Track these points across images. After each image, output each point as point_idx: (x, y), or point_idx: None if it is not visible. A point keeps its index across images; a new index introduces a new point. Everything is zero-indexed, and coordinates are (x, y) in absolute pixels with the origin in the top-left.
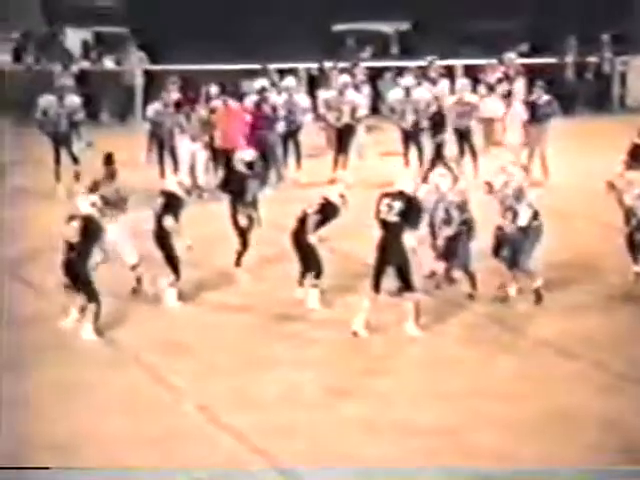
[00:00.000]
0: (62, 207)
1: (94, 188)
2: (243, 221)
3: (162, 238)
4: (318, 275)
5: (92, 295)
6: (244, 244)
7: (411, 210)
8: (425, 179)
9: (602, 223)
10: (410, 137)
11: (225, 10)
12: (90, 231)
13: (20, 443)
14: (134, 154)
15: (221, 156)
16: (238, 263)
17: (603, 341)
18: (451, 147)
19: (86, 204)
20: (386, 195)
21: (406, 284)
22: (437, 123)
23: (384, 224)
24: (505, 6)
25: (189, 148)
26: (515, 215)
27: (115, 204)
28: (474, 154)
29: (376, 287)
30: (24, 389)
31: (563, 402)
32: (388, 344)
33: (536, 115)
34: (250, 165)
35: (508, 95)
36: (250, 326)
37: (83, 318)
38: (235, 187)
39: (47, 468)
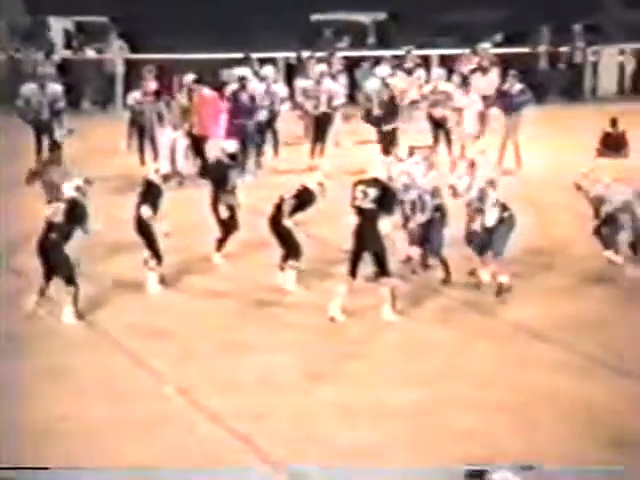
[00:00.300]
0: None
1: (34, 175)
2: (223, 209)
3: (141, 225)
4: (296, 257)
5: (71, 277)
6: (225, 231)
7: (386, 197)
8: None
9: (574, 211)
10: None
11: (202, 2)
12: (75, 214)
13: (6, 428)
14: (115, 141)
15: (198, 143)
16: (218, 249)
17: (576, 324)
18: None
19: (70, 188)
20: (360, 182)
21: (382, 269)
22: (390, 111)
23: (359, 211)
24: None
25: (169, 136)
26: (483, 215)
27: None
28: (449, 142)
29: (352, 272)
30: (5, 375)
31: (537, 384)
32: (365, 328)
33: (509, 104)
34: (232, 156)
35: (465, 84)
36: (229, 311)
37: (42, 301)
38: (216, 176)
39: (46, 468)
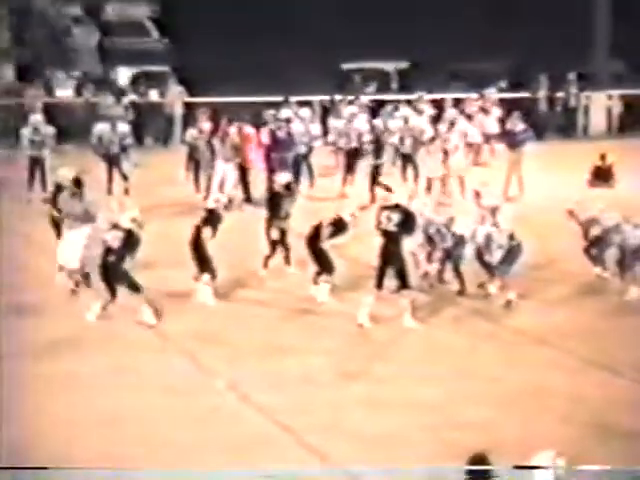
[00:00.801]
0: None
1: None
2: (274, 233)
3: (198, 246)
4: (329, 273)
5: (135, 286)
6: (273, 250)
7: (408, 221)
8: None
9: (568, 232)
10: (406, 159)
11: (251, 52)
12: (130, 242)
13: (73, 418)
14: (174, 172)
15: (244, 174)
16: (265, 265)
17: (571, 330)
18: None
19: (127, 219)
20: (385, 208)
21: (403, 283)
22: (376, 148)
23: (385, 233)
24: (488, 49)
25: (222, 168)
26: (490, 254)
27: (80, 217)
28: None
29: (379, 285)
30: (83, 370)
31: (537, 382)
32: (389, 334)
33: (513, 140)
34: (287, 186)
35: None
36: (273, 318)
37: (104, 313)
38: (272, 204)
39: (45, 468)
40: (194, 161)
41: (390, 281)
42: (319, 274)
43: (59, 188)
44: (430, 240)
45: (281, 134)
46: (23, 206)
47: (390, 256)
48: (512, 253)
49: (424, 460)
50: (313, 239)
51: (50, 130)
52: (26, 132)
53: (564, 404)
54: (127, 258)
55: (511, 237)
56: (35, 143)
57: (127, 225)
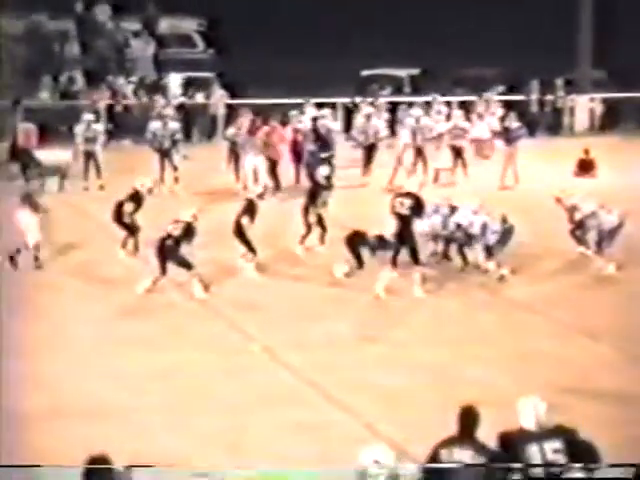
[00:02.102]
0: (165, 202)
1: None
2: (312, 218)
3: (240, 230)
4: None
5: (190, 266)
6: (308, 231)
7: (418, 205)
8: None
9: (558, 216)
10: (417, 152)
11: (284, 61)
12: (188, 232)
13: (135, 372)
14: (217, 164)
15: (274, 166)
16: (302, 242)
17: (558, 300)
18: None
19: (188, 215)
20: (398, 195)
21: (415, 260)
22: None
23: (398, 216)
24: (488, 58)
25: (252, 161)
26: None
27: None
28: (465, 166)
29: (394, 263)
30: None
31: (529, 346)
32: (402, 304)
33: (509, 137)
34: (327, 178)
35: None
36: (305, 290)
37: (154, 287)
38: (311, 193)
39: (38, 466)
40: (234, 154)
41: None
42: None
43: (136, 194)
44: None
45: (310, 132)
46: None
47: (404, 236)
48: (505, 235)
49: (430, 411)
50: (352, 239)
51: (100, 127)
52: (79, 129)
53: (552, 365)
54: (184, 244)
55: (504, 221)
56: (88, 139)
57: (187, 219)
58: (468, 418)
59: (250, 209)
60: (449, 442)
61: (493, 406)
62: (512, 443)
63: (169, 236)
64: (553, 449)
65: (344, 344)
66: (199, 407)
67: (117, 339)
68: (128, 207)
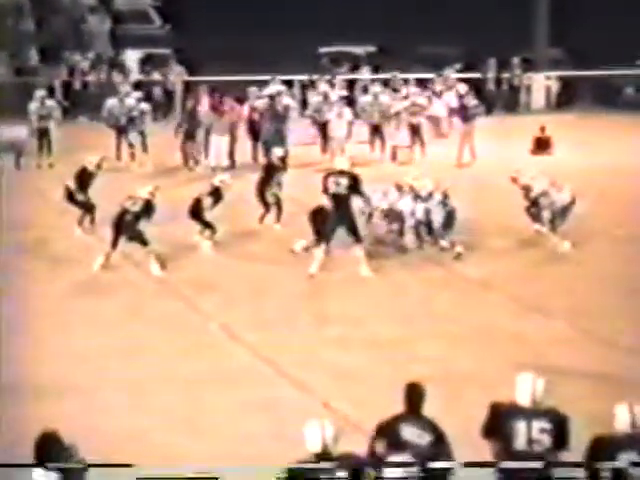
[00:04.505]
0: (121, 179)
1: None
2: (270, 198)
3: (197, 212)
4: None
5: (146, 243)
6: (266, 211)
7: (356, 183)
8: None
9: (512, 191)
10: (375, 129)
11: (238, 38)
12: (147, 208)
13: (88, 353)
14: (174, 141)
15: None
16: (261, 221)
17: (513, 277)
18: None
19: (145, 192)
20: (330, 174)
21: (357, 238)
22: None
23: (334, 197)
24: (445, 36)
25: (217, 141)
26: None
27: None
28: (422, 143)
29: (328, 241)
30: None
31: (486, 323)
32: (358, 282)
33: (467, 114)
34: (282, 159)
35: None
36: (261, 268)
37: (107, 262)
38: (266, 174)
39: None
40: (189, 132)
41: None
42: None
43: (84, 171)
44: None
45: (267, 108)
46: (34, 170)
47: (342, 217)
48: (450, 218)
49: (386, 388)
50: (315, 214)
51: (54, 104)
52: (33, 107)
53: (509, 342)
54: (142, 220)
55: (444, 204)
56: (42, 116)
57: (145, 196)
58: (414, 395)
59: (215, 195)
60: (396, 419)
61: (447, 382)
62: (501, 414)
63: (127, 211)
64: (540, 428)
65: (300, 322)
66: (156, 385)
67: (74, 317)
68: (75, 186)
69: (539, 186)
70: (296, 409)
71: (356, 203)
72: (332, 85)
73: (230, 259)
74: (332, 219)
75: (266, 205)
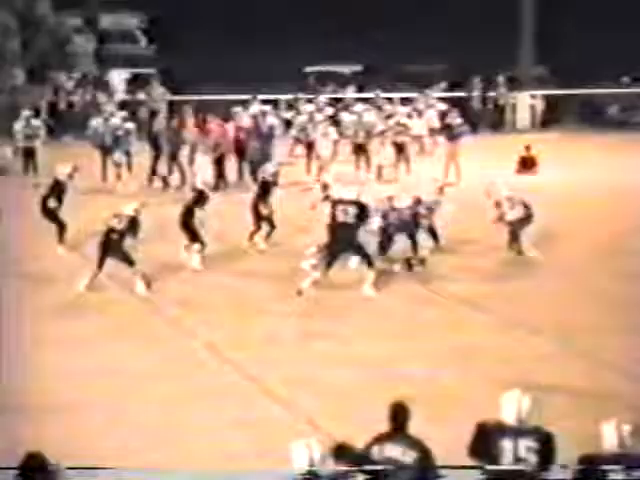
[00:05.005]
0: (109, 198)
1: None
2: (264, 211)
3: (187, 221)
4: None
5: (132, 262)
6: (257, 228)
7: (364, 212)
8: None
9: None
10: (360, 148)
11: (223, 58)
12: (132, 225)
13: (73, 374)
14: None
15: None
16: (251, 239)
17: (496, 295)
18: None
19: (130, 208)
20: (339, 203)
21: (369, 262)
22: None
23: (342, 225)
24: (431, 55)
25: (201, 160)
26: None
27: None
28: (407, 161)
29: (329, 266)
30: (86, 329)
31: (469, 340)
32: (344, 300)
33: (451, 133)
34: (274, 174)
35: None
36: (249, 286)
37: (92, 283)
38: (260, 190)
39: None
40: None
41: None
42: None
43: (57, 183)
44: None
45: (263, 126)
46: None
47: (349, 244)
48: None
49: (370, 407)
50: None
51: (40, 124)
52: (18, 126)
53: (492, 359)
54: (128, 238)
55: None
56: (27, 136)
57: (130, 213)
58: (399, 414)
59: (200, 200)
60: (381, 438)
61: (433, 401)
62: (487, 433)
63: (113, 230)
64: (526, 447)
65: (286, 340)
66: (141, 404)
67: (57, 337)
68: (51, 200)
69: (506, 204)
70: (281, 427)
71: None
72: (317, 104)
73: (216, 277)
74: (337, 246)
75: (258, 222)
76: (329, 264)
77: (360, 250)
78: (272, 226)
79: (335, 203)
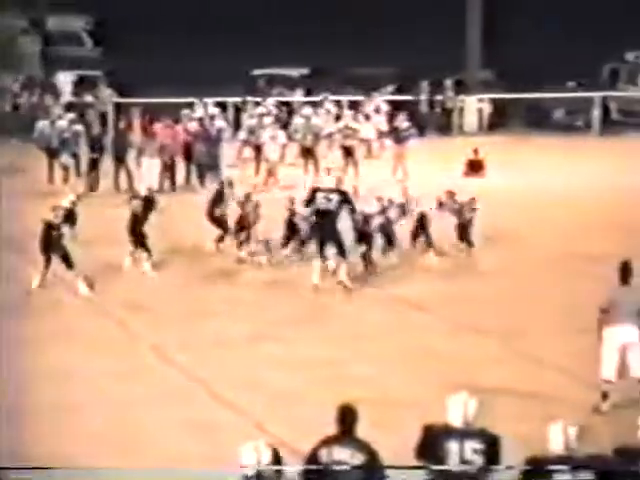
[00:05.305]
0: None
1: None
2: (218, 213)
3: (135, 227)
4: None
5: (71, 265)
6: (224, 230)
7: (348, 198)
8: None
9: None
10: (308, 152)
11: (170, 60)
12: (70, 217)
13: (21, 376)
14: (105, 164)
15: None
16: (219, 241)
17: (442, 297)
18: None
19: (67, 201)
20: (318, 190)
21: (342, 253)
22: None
23: (323, 213)
24: (379, 58)
25: (147, 163)
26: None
27: None
28: (355, 165)
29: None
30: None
31: (420, 344)
32: (292, 302)
33: (399, 136)
34: (230, 183)
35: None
36: (196, 288)
37: (42, 282)
38: (216, 196)
39: (46, 468)
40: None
41: None
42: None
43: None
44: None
45: (199, 130)
46: None
47: (331, 232)
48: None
49: (319, 409)
50: None
51: None
52: None
53: (439, 362)
54: (67, 229)
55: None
56: None
57: (67, 205)
58: (347, 416)
59: (146, 205)
60: (329, 441)
61: (381, 403)
62: (434, 435)
63: (51, 226)
64: (472, 449)
65: (234, 343)
66: (87, 406)
67: (2, 338)
68: None
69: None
70: (229, 430)
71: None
72: (266, 107)
73: (163, 279)
74: (319, 234)
75: (220, 226)
76: (322, 253)
77: (338, 240)
78: (225, 230)
79: (314, 190)
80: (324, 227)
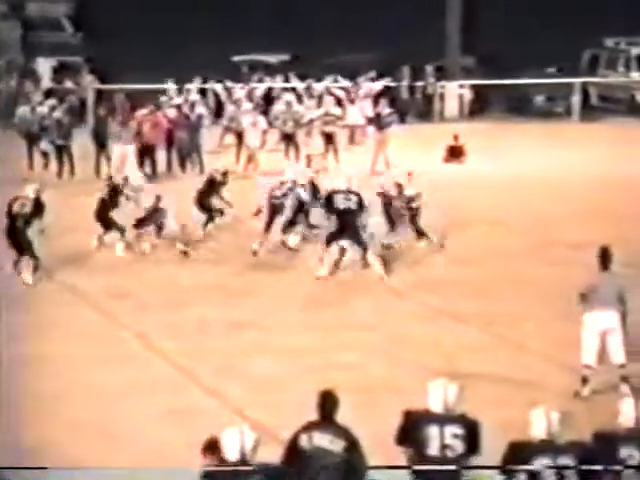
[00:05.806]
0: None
1: None
2: (214, 204)
3: (103, 213)
4: None
5: (33, 254)
6: (210, 217)
7: (363, 201)
8: None
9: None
10: (289, 138)
11: (151, 47)
12: (36, 206)
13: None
14: (85, 151)
15: (150, 151)
16: (204, 227)
17: (424, 285)
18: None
19: (31, 190)
20: (336, 192)
21: (364, 247)
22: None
23: (344, 212)
24: (360, 44)
25: (121, 149)
26: None
27: None
28: (336, 152)
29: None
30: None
31: (401, 330)
32: (276, 289)
33: (381, 123)
34: (224, 174)
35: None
36: (179, 276)
37: (16, 270)
38: (207, 186)
39: (45, 468)
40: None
41: None
42: None
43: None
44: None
45: (191, 116)
46: None
47: (352, 231)
48: None
49: (301, 396)
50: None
51: None
52: None
53: (423, 348)
54: (36, 222)
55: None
56: None
57: (32, 195)
58: (327, 402)
59: (115, 193)
60: (309, 427)
61: (362, 390)
62: (414, 421)
63: (17, 216)
64: (452, 434)
65: (216, 330)
66: (70, 395)
67: None
68: None
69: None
70: (211, 417)
71: None
72: (247, 93)
73: (147, 266)
74: (338, 232)
75: (209, 212)
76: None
77: (358, 237)
78: (212, 218)
79: (332, 192)
80: (347, 225)
